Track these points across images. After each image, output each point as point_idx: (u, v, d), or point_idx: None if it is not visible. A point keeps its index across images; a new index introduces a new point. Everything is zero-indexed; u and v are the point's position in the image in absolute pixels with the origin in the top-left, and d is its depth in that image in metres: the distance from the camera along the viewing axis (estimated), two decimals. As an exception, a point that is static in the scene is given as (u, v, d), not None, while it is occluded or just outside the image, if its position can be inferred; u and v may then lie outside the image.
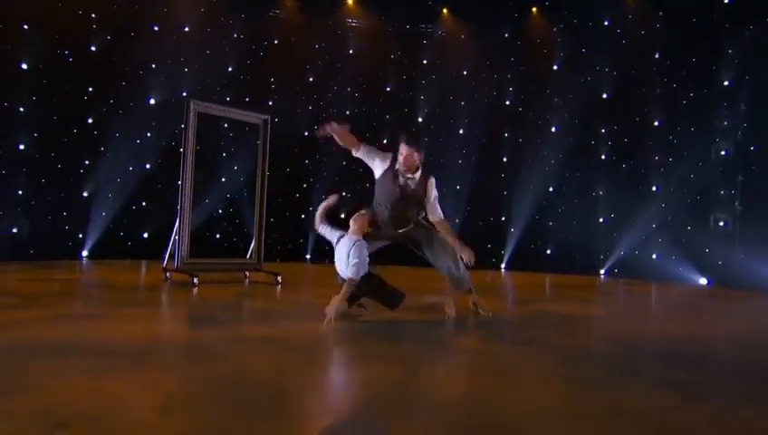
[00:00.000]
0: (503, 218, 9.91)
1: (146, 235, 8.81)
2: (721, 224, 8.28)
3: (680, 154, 8.75)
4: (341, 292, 3.44)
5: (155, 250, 7.34)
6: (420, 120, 10.56)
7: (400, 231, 3.97)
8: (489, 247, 9.61)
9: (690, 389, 2.25)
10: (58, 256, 7.67)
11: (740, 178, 8.27)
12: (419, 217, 4.02)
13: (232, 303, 4.61)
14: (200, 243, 6.27)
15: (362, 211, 3.70)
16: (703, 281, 8.15)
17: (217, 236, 9.42)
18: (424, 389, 2.21)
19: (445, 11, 10.17)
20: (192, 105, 5.42)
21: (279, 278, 5.67)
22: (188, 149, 5.34)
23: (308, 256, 10.50)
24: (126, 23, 8.46)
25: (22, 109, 7.62)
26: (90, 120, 8.35)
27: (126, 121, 8.43)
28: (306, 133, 10.19)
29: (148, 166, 8.86)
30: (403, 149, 3.79)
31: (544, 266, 9.28)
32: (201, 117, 5.51)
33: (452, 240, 3.88)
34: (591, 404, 1.97)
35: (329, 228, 3.79)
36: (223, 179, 9.50)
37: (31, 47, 7.53)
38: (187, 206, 5.28)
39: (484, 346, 3.25)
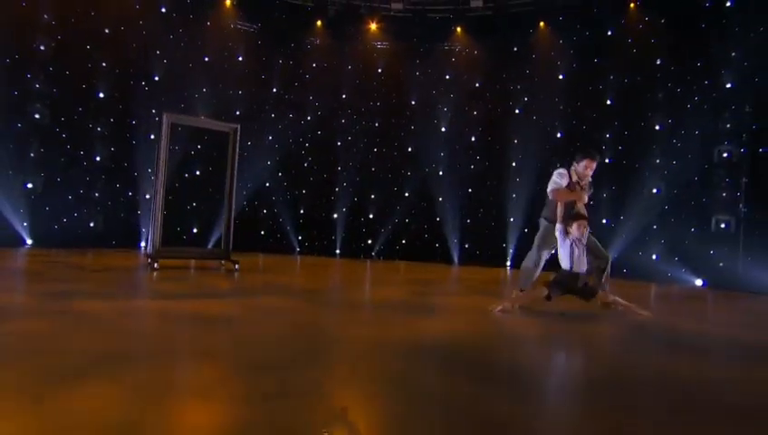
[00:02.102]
0: (511, 219, 10.47)
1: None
2: (723, 226, 8.27)
3: (684, 156, 8.84)
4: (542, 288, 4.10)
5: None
6: (444, 129, 11.53)
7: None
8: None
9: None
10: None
11: (744, 180, 8.22)
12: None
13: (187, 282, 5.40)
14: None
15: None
16: (699, 282, 8.18)
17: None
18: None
19: (459, 29, 11.04)
20: (165, 118, 6.49)
21: (237, 266, 6.69)
22: (161, 156, 6.42)
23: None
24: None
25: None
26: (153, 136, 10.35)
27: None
28: (339, 143, 11.71)
29: (198, 172, 10.67)
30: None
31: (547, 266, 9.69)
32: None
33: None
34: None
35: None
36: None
37: None
38: (159, 202, 6.35)
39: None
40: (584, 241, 4.16)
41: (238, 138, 6.94)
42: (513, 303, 4.33)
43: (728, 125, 8.34)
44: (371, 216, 12.08)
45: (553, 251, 4.58)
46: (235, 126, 7.10)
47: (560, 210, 4.25)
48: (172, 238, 8.82)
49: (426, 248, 11.48)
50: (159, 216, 6.32)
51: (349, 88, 12.06)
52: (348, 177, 12.09)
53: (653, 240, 9.03)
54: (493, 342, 3.19)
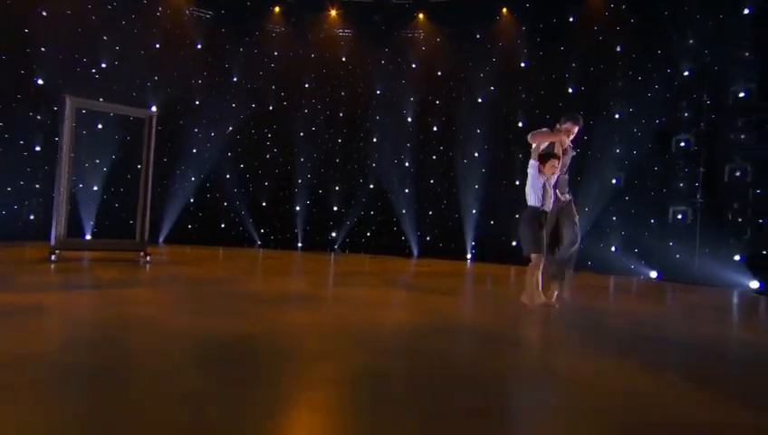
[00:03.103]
0: (473, 211, 10.27)
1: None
2: (680, 217, 8.11)
3: (644, 145, 8.66)
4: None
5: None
6: (410, 119, 11.29)
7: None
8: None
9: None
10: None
11: (701, 170, 8.06)
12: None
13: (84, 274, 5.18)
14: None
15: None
16: (653, 275, 8.03)
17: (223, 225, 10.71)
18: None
19: (421, 15, 10.75)
20: (68, 101, 5.83)
21: (148, 257, 6.41)
22: (65, 141, 5.89)
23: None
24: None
25: None
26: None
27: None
28: (302, 134, 11.43)
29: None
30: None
31: (508, 259, 9.51)
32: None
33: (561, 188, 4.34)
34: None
35: None
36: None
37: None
38: (63, 192, 5.88)
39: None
40: (552, 182, 4.16)
41: (154, 124, 6.62)
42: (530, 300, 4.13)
43: (686, 114, 8.16)
44: (335, 208, 11.83)
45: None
46: (152, 112, 6.76)
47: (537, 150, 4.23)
48: (122, 230, 8.54)
49: (392, 241, 11.27)
50: (64, 206, 5.95)
51: (311, 77, 11.76)
52: (311, 168, 11.83)
53: (613, 232, 8.88)
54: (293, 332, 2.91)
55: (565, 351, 2.91)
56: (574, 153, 4.48)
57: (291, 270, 6.99)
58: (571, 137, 4.38)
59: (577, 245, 4.29)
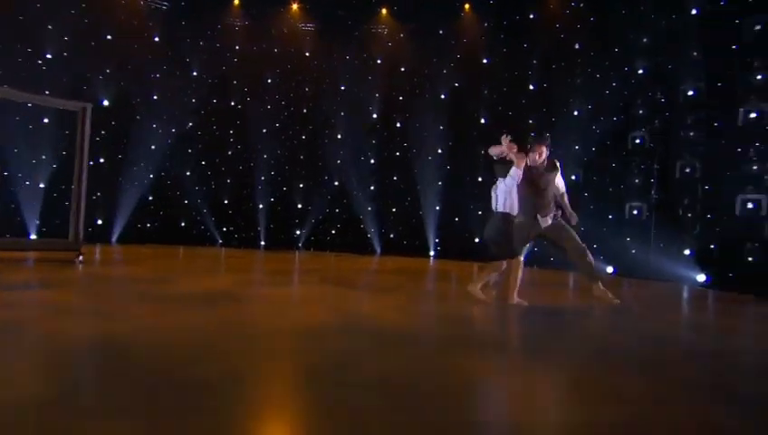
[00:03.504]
0: (437, 208, 10.26)
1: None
2: (635, 213, 8.27)
3: (603, 143, 8.79)
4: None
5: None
6: (375, 115, 11.20)
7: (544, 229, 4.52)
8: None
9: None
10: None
11: (656, 166, 8.23)
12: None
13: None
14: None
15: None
16: (609, 270, 8.17)
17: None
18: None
19: (384, 11, 10.65)
20: None
21: (81, 258, 6.19)
22: None
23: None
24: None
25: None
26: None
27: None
28: (265, 130, 11.20)
29: (101, 160, 9.93)
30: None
31: (470, 256, 9.54)
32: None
33: (565, 207, 4.60)
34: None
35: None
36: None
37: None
38: None
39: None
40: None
41: (88, 117, 6.33)
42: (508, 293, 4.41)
43: (641, 111, 8.31)
44: (300, 206, 11.66)
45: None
46: (84, 105, 6.46)
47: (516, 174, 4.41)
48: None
49: (357, 238, 11.17)
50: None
51: (274, 72, 11.53)
52: (275, 165, 11.62)
53: (573, 228, 8.98)
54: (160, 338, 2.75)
55: (453, 349, 2.81)
56: (555, 172, 4.48)
57: (232, 269, 6.82)
58: (542, 157, 4.41)
59: (586, 252, 4.44)
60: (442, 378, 2.21)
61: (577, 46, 9.03)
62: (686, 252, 7.32)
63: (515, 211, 4.45)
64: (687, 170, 7.43)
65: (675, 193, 7.69)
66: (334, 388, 2.00)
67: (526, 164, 4.40)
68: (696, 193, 7.42)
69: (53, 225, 9.20)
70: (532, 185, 4.39)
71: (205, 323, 3.15)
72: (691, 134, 7.39)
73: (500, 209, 4.48)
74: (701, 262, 7.00)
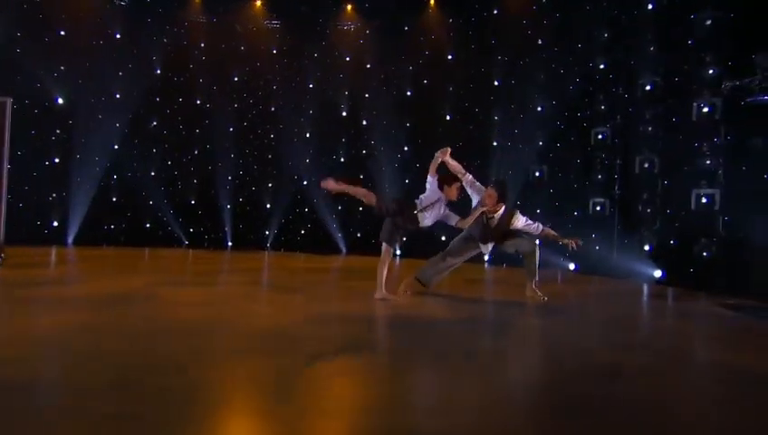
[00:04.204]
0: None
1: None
2: (598, 209, 8.24)
3: (567, 139, 8.75)
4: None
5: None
6: (345, 114, 11.06)
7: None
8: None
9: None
10: None
11: (618, 162, 8.20)
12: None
13: None
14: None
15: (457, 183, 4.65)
16: (571, 267, 8.14)
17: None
18: None
19: (349, 7, 10.51)
20: None
21: (2, 255, 6.06)
22: None
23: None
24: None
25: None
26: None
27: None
28: (231, 129, 11.00)
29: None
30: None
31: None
32: None
33: (555, 238, 4.90)
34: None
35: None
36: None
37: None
38: None
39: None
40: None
41: (9, 113, 6.14)
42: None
43: (603, 107, 8.28)
44: (268, 205, 11.48)
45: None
46: (3, 99, 6.26)
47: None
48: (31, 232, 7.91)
49: (326, 238, 11.04)
50: None
51: (241, 70, 11.32)
52: (243, 165, 11.43)
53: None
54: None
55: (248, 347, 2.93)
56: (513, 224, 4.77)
57: (160, 269, 6.74)
58: (488, 202, 4.66)
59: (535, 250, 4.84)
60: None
61: (540, 42, 8.96)
62: (646, 248, 7.29)
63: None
64: (646, 166, 7.40)
65: (634, 189, 7.66)
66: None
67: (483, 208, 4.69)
68: (656, 188, 7.39)
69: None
70: (486, 227, 4.71)
71: (57, 324, 3.19)
72: (649, 129, 7.36)
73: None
74: (656, 258, 6.98)
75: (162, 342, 2.96)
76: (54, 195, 9.34)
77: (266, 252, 10.74)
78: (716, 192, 6.44)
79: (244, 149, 11.37)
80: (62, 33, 9.42)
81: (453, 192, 4.58)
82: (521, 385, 2.46)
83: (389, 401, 2.09)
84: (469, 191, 4.90)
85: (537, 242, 5.16)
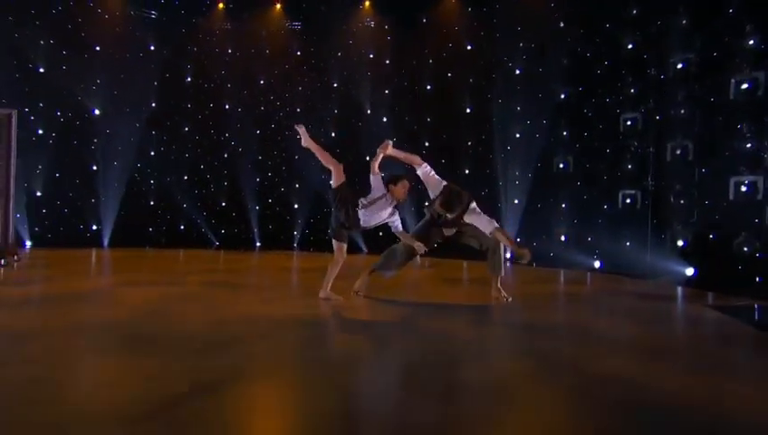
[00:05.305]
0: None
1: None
2: (629, 201, 7.57)
3: (594, 127, 8.14)
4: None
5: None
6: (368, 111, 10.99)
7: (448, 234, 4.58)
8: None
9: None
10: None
11: (651, 150, 7.49)
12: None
13: None
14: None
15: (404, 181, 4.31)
16: (597, 265, 7.52)
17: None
18: None
19: (367, 4, 10.40)
20: None
21: (3, 261, 6.42)
22: None
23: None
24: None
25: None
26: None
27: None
28: (258, 132, 11.27)
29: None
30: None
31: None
32: None
33: (507, 241, 4.26)
34: None
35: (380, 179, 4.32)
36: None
37: None
38: None
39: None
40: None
41: (14, 123, 6.50)
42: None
43: (632, 90, 7.59)
44: (296, 206, 11.62)
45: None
46: (10, 111, 6.64)
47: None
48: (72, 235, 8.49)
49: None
50: None
51: (267, 73, 11.53)
52: (272, 166, 11.65)
53: (565, 220, 8.38)
54: None
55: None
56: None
57: (134, 269, 6.86)
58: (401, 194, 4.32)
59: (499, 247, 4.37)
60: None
61: (562, 24, 8.39)
62: (680, 243, 6.58)
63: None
64: (679, 152, 6.69)
65: (667, 178, 6.95)
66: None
67: (434, 210, 4.37)
68: (692, 177, 6.65)
69: (54, 231, 9.70)
70: (438, 228, 4.46)
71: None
72: (682, 112, 6.64)
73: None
74: (691, 254, 6.28)
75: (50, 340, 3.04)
76: (93, 200, 10.00)
77: (294, 252, 10.85)
78: (759, 179, 5.68)
79: (272, 151, 11.58)
80: (98, 48, 10.03)
81: (400, 192, 4.15)
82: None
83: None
84: (426, 184, 4.40)
85: None
